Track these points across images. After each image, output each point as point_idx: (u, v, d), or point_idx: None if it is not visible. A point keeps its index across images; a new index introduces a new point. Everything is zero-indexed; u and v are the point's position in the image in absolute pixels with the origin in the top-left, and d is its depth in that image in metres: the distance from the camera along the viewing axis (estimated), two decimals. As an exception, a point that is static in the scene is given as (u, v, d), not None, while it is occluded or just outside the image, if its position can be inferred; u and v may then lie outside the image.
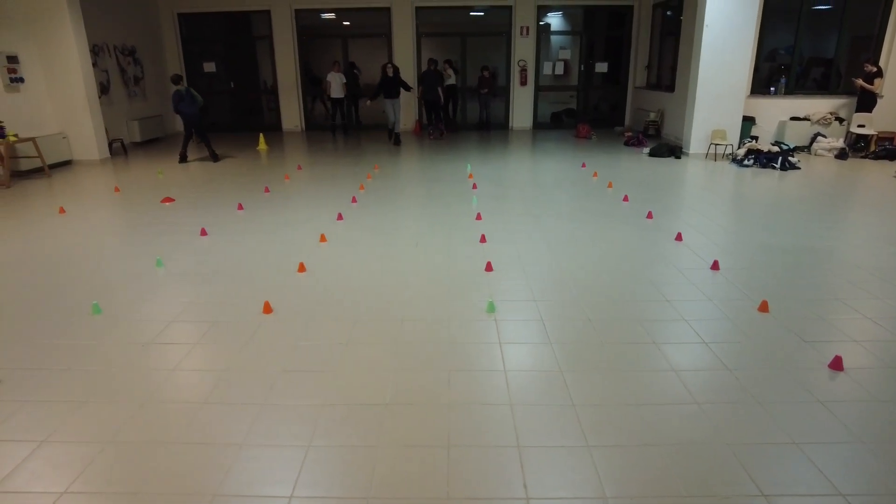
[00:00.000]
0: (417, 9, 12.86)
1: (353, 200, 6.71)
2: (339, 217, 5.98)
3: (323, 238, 5.25)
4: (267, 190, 7.29)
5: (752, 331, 3.44)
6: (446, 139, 12.00)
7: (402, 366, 3.08)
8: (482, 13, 13.41)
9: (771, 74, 10.79)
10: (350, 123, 13.35)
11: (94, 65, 10.42)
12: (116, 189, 7.51)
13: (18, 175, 8.48)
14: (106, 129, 10.18)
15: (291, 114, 13.56)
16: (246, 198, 6.95)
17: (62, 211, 6.42)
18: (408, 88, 11.32)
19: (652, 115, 11.87)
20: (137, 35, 12.03)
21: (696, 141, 9.70)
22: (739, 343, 3.29)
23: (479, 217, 5.93)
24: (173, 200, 6.85)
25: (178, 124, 13.64)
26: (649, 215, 5.96)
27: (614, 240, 5.23)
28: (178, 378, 2.99)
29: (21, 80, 8.75)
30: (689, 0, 10.36)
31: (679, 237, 5.23)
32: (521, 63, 13.21)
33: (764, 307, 3.71)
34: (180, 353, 3.24)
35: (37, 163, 8.63)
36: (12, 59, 8.58)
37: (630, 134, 12.06)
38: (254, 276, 4.40)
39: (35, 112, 9.16)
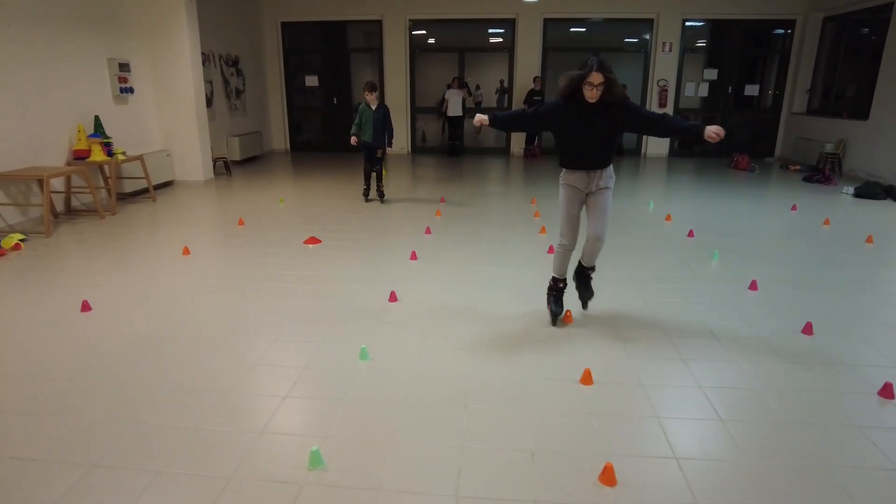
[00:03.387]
0: (546, 20, 11.43)
1: (551, 251, 5.17)
2: (555, 278, 4.44)
3: (569, 316, 3.70)
4: (429, 231, 5.84)
5: None
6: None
7: None
8: (617, 26, 11.88)
9: None
10: (462, 145, 11.99)
11: (201, 75, 9.36)
12: (241, 222, 6.20)
13: (121, 198, 7.33)
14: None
15: (399, 135, 12.23)
16: (410, 241, 5.50)
17: (186, 252, 5.11)
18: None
19: (828, 147, 10.01)
20: (241, 44, 10.99)
21: (921, 180, 7.84)
22: None
23: (754, 286, 4.28)
24: (320, 242, 5.46)
25: (276, 141, 12.58)
26: None
27: None
28: None
29: (131, 90, 7.64)
30: (904, 10, 8.56)
31: None
32: (662, 83, 11.57)
33: None
34: None
35: (139, 184, 7.48)
36: (124, 68, 7.49)
37: (798, 167, 10.28)
38: (525, 397, 2.86)
39: (141, 127, 8.06)
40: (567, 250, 3.55)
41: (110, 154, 6.79)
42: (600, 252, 3.55)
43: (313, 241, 5.44)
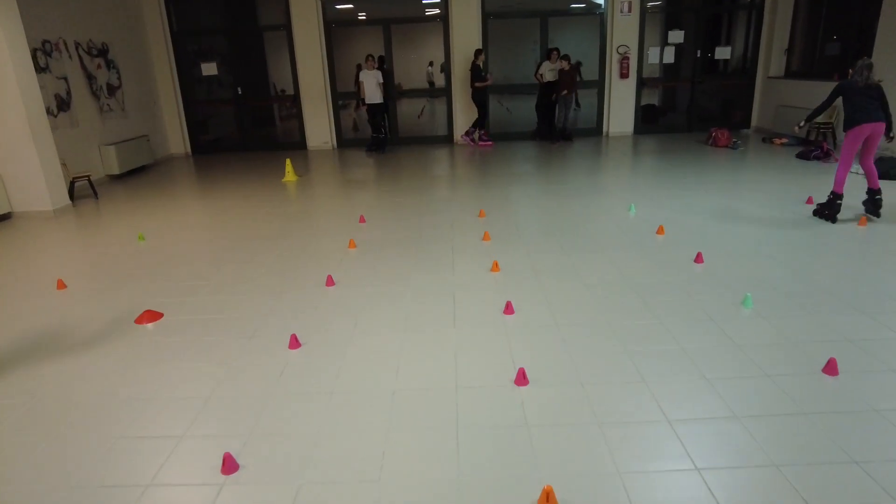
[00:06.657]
0: (485, -18, 9.62)
1: (509, 309, 3.46)
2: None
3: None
4: (331, 281, 4.04)
5: None
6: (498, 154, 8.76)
7: None
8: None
9: None
10: (388, 137, 10.11)
11: (45, 69, 7.21)
12: (60, 284, 4.26)
13: (-87, 250, 5.26)
14: (63, 163, 6.96)
15: (320, 127, 10.28)
16: (301, 305, 3.70)
17: (-60, 355, 3.19)
18: None
19: (821, 117, 8.59)
20: (111, 28, 8.78)
21: (948, 154, 6.48)
22: None
23: (834, 369, 2.70)
24: (160, 317, 3.60)
25: (174, 145, 10.47)
26: None
27: None
28: None
29: (-85, 96, 5.51)
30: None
31: None
32: (623, 49, 9.95)
33: None
34: None
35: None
36: None
37: (784, 140, 8.90)
38: None
39: (-54, 144, 5.94)
40: None
41: None
42: None
43: (150, 316, 3.57)
